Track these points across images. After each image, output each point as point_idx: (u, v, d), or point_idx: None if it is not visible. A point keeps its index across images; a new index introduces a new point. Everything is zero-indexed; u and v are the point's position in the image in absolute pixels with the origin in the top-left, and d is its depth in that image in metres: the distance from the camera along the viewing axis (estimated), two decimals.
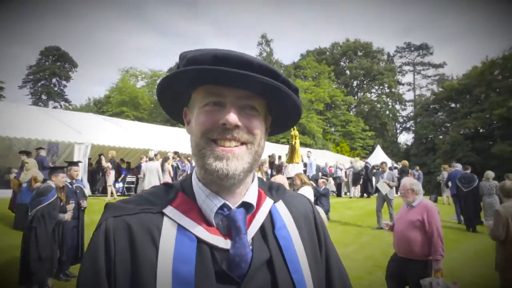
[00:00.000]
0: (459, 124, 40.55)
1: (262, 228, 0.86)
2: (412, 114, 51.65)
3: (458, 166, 12.59)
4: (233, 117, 0.79)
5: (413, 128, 49.81)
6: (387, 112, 50.95)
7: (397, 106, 52.23)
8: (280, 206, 0.93)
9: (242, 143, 0.82)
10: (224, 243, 0.80)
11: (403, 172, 13.86)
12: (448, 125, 43.68)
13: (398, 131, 53.46)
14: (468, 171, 11.11)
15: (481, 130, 40.18)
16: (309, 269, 0.87)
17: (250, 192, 0.88)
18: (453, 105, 44.37)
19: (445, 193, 16.11)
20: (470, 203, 10.50)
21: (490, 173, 10.33)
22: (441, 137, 43.29)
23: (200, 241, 0.79)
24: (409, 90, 54.18)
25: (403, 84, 53.56)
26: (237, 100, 0.82)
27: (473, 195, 10.41)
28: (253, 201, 0.87)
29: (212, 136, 0.81)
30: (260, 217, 0.87)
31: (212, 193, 0.84)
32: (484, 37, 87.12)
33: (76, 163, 6.45)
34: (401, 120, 53.02)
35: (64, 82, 50.50)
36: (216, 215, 0.83)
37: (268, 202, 0.91)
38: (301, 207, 0.98)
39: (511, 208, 4.47)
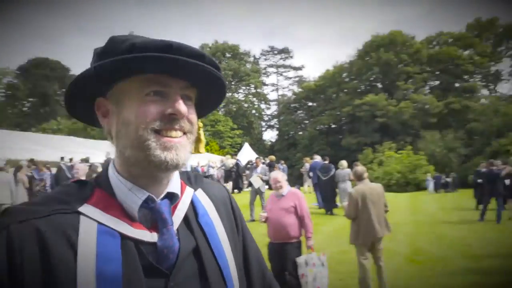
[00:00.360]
0: (316, 121, 45.52)
1: (185, 217, 0.86)
2: (275, 112, 55.73)
3: (318, 158, 14.08)
4: (183, 107, 0.78)
5: (277, 126, 53.84)
6: (254, 111, 53.87)
7: (263, 106, 55.72)
8: (200, 194, 0.94)
9: (184, 133, 0.81)
10: (150, 236, 0.78)
11: (270, 167, 14.88)
12: (307, 122, 48.54)
13: (263, 129, 57.02)
14: (327, 162, 12.57)
15: (332, 126, 45.85)
16: (232, 253, 0.90)
17: (173, 182, 0.87)
18: (310, 104, 49.48)
19: (306, 183, 17.82)
20: (328, 189, 11.95)
21: (344, 163, 11.95)
22: (300, 133, 47.93)
23: (124, 237, 0.75)
24: (273, 90, 58.41)
25: (267, 85, 57.40)
26: (179, 90, 0.80)
27: (330, 182, 11.85)
28: (178, 191, 0.86)
29: (156, 127, 0.77)
30: (183, 207, 0.87)
31: (135, 186, 0.80)
32: (334, 44, 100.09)
33: None
34: (266, 118, 56.72)
35: None
36: (139, 209, 0.80)
37: (189, 191, 0.91)
38: (219, 194, 0.99)
39: (361, 190, 5.21)
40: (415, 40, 44.82)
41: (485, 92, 45.17)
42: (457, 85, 43.27)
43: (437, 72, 43.73)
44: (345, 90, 45.33)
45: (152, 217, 0.80)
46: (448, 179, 26.88)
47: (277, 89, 57.81)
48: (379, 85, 45.00)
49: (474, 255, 7.13)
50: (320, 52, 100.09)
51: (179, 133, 0.80)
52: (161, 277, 0.76)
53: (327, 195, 12.06)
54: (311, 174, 13.84)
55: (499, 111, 35.37)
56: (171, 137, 0.78)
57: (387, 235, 5.29)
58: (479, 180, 13.26)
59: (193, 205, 0.90)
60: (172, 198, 0.85)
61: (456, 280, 5.67)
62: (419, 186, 28.71)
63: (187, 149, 0.81)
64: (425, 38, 46.15)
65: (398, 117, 38.46)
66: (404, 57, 42.58)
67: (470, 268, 6.32)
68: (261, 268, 1.02)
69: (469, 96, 41.72)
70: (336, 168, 12.03)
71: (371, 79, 44.82)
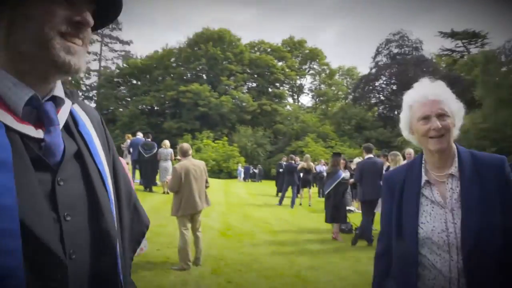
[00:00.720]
0: (138, 100, 43.93)
1: (66, 124, 0.87)
2: (95, 84, 51.19)
3: (140, 135, 13.73)
4: (90, 18, 0.80)
5: (96, 98, 49.56)
6: (70, 78, 48.09)
7: (81, 74, 50.33)
8: (78, 108, 0.96)
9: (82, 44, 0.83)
10: (35, 132, 0.77)
11: None
12: (129, 99, 46.33)
13: (80, 99, 51.61)
14: (150, 140, 12.37)
15: (156, 108, 45.15)
16: (106, 164, 0.95)
17: (59, 88, 0.87)
18: (135, 81, 47.38)
19: (126, 159, 17.14)
20: (149, 166, 11.83)
21: (167, 142, 12.03)
22: (121, 109, 45.42)
23: (9, 129, 0.72)
24: (95, 59, 53.14)
25: (89, 53, 51.53)
26: (86, 5, 0.82)
27: (152, 160, 11.74)
28: (63, 96, 0.87)
29: (63, 30, 0.77)
30: (65, 112, 0.88)
31: (21, 83, 0.77)
32: (166, 28, 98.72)
33: None
34: (84, 88, 51.42)
35: None
36: (24, 106, 0.77)
37: (68, 101, 0.91)
38: (93, 112, 1.03)
39: (185, 165, 5.45)
40: (241, 42, 48.34)
41: (290, 100, 52.51)
42: (270, 90, 48.75)
43: (255, 75, 48.29)
44: (172, 75, 45.32)
45: (37, 115, 0.80)
46: (256, 170, 30.21)
47: (99, 60, 53.10)
48: (204, 76, 46.74)
49: (273, 231, 8.35)
50: (151, 32, 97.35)
51: (80, 42, 0.81)
52: (47, 172, 0.77)
53: (148, 172, 11.96)
54: (131, 150, 13.38)
55: (299, 118, 41.81)
56: (74, 43, 0.80)
57: (206, 208, 5.70)
58: (281, 170, 15.53)
59: (72, 115, 0.92)
60: (55, 102, 0.85)
61: (259, 250, 6.54)
62: (231, 175, 31.29)
63: (85, 58, 0.84)
64: (249, 43, 50.37)
65: (218, 109, 40.81)
66: (229, 55, 45.38)
67: (270, 240, 7.38)
68: (128, 187, 1.08)
69: (278, 101, 47.63)
70: (159, 147, 12.02)
71: (198, 69, 46.14)
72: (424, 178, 1.55)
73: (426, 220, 1.47)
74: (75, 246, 0.77)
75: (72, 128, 0.88)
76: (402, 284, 1.51)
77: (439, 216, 1.46)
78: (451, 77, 28.93)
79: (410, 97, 1.59)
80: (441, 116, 1.46)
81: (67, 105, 0.89)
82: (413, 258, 1.46)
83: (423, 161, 1.59)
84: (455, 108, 1.51)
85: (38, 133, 0.77)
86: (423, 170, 1.57)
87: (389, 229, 1.59)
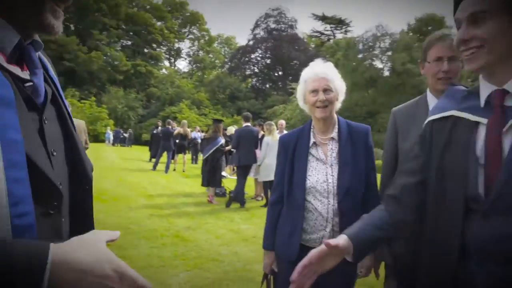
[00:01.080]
0: None
1: None
2: None
3: None
4: None
5: None
6: None
7: None
8: (41, 55, 0.96)
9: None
10: (22, 74, 0.79)
11: None
12: None
13: None
14: None
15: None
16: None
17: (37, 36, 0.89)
18: None
19: None
20: None
21: None
22: None
23: (2, 69, 0.74)
24: None
25: None
26: None
27: None
28: (40, 40, 0.88)
29: None
30: (36, 57, 0.89)
31: (9, 26, 0.78)
32: None
33: None
34: None
35: None
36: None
37: None
38: (48, 59, 1.03)
39: (82, 126, 5.14)
40: None
41: (167, 63, 50.88)
42: (146, 50, 46.38)
43: (131, 33, 45.23)
44: None
45: (18, 58, 0.81)
46: (126, 135, 28.81)
47: None
48: (72, 27, 41.82)
49: (149, 195, 8.34)
50: None
51: (63, 7, 0.85)
52: (35, 111, 0.82)
53: None
54: None
55: (174, 83, 40.92)
56: (59, 7, 0.83)
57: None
58: (155, 131, 15.38)
59: (40, 60, 0.93)
60: (34, 46, 0.87)
61: (137, 213, 6.53)
62: (98, 138, 29.24)
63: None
64: None
65: (87, 66, 37.22)
66: (103, 7, 41.41)
67: (147, 204, 7.39)
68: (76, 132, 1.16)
69: (154, 63, 45.70)
70: None
71: (64, 17, 40.93)
72: (312, 140, 1.91)
73: (312, 174, 1.85)
74: (61, 178, 0.85)
75: (44, 73, 0.90)
76: (291, 225, 1.86)
77: (322, 170, 1.84)
78: (318, 57, 31.87)
79: (305, 74, 1.92)
80: (327, 90, 1.82)
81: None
82: (301, 204, 1.83)
83: (311, 127, 1.95)
84: (339, 85, 1.89)
85: (24, 75, 0.80)
86: (311, 134, 1.93)
87: (282, 182, 1.93)
